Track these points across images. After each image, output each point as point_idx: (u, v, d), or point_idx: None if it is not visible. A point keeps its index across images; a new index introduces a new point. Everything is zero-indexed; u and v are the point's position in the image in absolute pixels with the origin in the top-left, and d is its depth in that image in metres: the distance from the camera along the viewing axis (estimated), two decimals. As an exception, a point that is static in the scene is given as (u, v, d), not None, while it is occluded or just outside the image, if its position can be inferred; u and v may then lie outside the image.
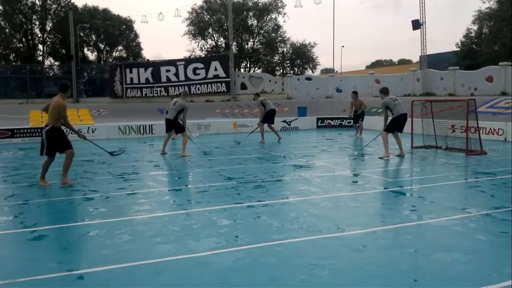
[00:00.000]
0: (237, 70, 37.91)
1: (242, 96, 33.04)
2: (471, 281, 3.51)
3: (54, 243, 4.67)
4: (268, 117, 14.84)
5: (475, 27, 37.39)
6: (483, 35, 35.72)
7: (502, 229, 4.88)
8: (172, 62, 34.64)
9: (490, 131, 14.89)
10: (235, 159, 11.06)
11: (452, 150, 11.82)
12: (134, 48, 49.62)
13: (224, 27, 42.25)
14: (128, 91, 34.66)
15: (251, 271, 3.79)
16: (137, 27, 49.68)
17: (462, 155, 11.02)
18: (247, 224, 5.25)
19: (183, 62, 34.69)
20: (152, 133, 18.49)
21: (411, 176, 8.73)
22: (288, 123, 21.34)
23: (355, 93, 17.11)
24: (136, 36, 49.15)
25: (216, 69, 33.40)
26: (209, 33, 45.41)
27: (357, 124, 16.91)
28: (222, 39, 44.19)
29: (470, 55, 35.99)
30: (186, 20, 44.50)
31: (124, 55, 49.04)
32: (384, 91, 10.95)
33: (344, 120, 21.93)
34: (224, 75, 33.21)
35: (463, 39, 38.71)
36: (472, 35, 38.09)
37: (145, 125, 18.65)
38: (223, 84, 33.29)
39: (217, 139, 16.88)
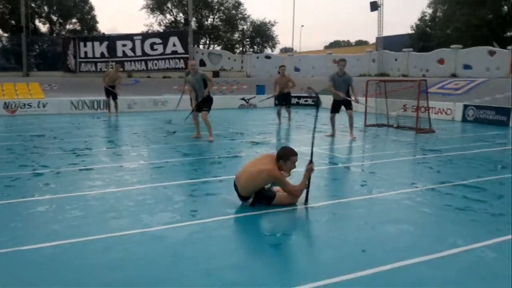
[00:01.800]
0: (196, 46, 37.20)
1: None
2: (416, 251, 3.67)
3: (0, 219, 4.51)
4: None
5: (429, 11, 38.39)
6: (437, 19, 36.71)
7: (446, 203, 5.14)
8: (129, 37, 33.50)
9: (439, 110, 15.51)
10: (192, 135, 10.98)
11: (403, 129, 12.25)
12: (89, 21, 47.54)
13: (183, 2, 41.14)
14: (82, 65, 33.32)
15: (205, 244, 3.82)
16: (92, -1, 47.57)
17: (412, 133, 11.45)
18: (203, 199, 5.26)
19: (140, 37, 33.62)
20: (106, 109, 17.97)
21: (363, 153, 8.99)
22: (247, 100, 21.33)
23: (282, 66, 13.76)
24: (91, 8, 47.02)
25: (174, 45, 32.64)
26: (168, 7, 44.15)
27: (282, 108, 13.54)
28: (181, 14, 43.09)
29: (424, 37, 36.98)
30: (145, -7, 43.04)
31: (78, 28, 46.93)
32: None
33: (301, 99, 22.11)
34: (183, 51, 32.54)
35: (418, 22, 39.69)
36: (426, 18, 39.09)
37: (99, 100, 18.06)
38: (182, 60, 32.63)
39: (174, 115, 16.65)
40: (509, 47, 21.48)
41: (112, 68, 16.11)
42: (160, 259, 3.49)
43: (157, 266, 3.37)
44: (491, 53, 21.86)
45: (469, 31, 31.40)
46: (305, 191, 4.95)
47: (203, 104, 9.89)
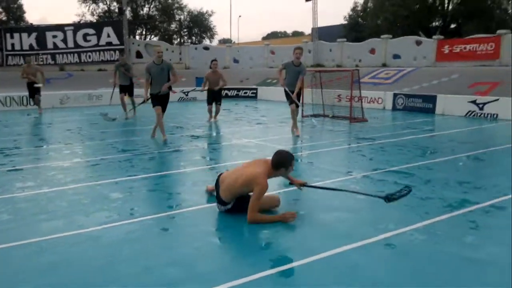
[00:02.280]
0: (132, 37, 36.09)
1: (138, 64, 31.70)
2: (352, 237, 3.83)
3: None
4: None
5: (361, 1, 39.79)
6: (368, 9, 38.13)
7: (379, 189, 5.41)
8: (60, 27, 31.77)
9: (371, 100, 16.21)
10: (130, 130, 10.71)
11: (338, 118, 12.69)
12: (15, 11, 44.58)
13: (117, -9, 39.71)
14: (10, 59, 31.22)
15: (144, 242, 3.77)
16: (18, -13, 44.57)
17: (347, 122, 11.89)
18: (142, 196, 5.17)
19: (72, 28, 32.01)
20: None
21: (301, 143, 9.22)
22: (186, 93, 21.06)
23: (214, 61, 12.56)
24: (17, -3, 44.15)
25: (109, 36, 31.42)
26: (102, -3, 42.42)
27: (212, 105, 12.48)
28: (115, 3, 41.47)
29: (356, 28, 38.34)
30: (75, -18, 41.06)
31: (4, 18, 43.87)
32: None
33: (240, 91, 22.20)
34: (118, 43, 31.42)
35: (351, 13, 41.06)
36: (358, 8, 40.51)
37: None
38: (117, 51, 31.53)
39: (110, 110, 16.10)
40: (434, 37, 22.77)
41: (29, 62, 14.97)
42: (96, 260, 3.40)
43: (93, 267, 3.29)
44: (418, 43, 23.06)
45: (397, 21, 32.91)
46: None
47: (164, 101, 9.05)
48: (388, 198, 4.23)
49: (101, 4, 42.71)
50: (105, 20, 39.48)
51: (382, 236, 3.89)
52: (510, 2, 33.12)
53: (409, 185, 4.51)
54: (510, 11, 33.79)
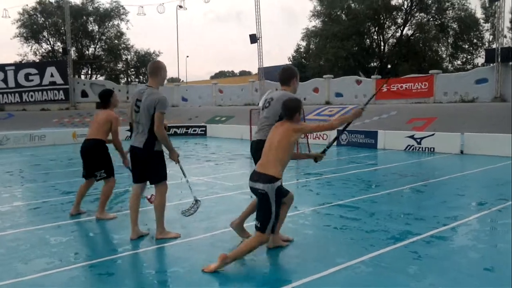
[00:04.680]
0: (77, 77, 35.42)
1: (83, 104, 31.05)
2: (300, 273, 3.86)
3: None
4: None
5: (304, 43, 41.52)
6: (310, 51, 39.82)
7: (326, 223, 5.54)
8: (0, 67, 30.71)
9: (317, 136, 16.71)
10: (74, 171, 10.33)
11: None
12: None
13: (61, 31, 39.01)
14: None
15: (88, 288, 3.62)
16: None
17: (295, 158, 12.14)
18: (85, 239, 4.99)
19: (13, 67, 31.03)
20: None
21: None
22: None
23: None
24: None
25: (52, 75, 30.69)
26: (44, 36, 41.42)
27: None
28: (59, 43, 40.73)
29: (300, 68, 39.49)
30: (17, 22, 39.88)
31: None
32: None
33: (190, 128, 22.24)
34: (62, 82, 30.73)
35: (294, 54, 42.66)
36: (301, 50, 42.20)
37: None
38: (61, 91, 30.78)
39: (54, 150, 15.54)
40: (373, 76, 24.09)
41: None
42: (36, 311, 3.22)
43: (33, 319, 3.10)
44: (358, 82, 24.31)
45: (338, 62, 34.58)
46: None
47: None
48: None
49: (44, 44, 41.79)
50: (49, 60, 38.57)
51: (330, 270, 3.95)
52: (439, 44, 35.88)
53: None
54: (440, 52, 36.59)
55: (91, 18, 41.29)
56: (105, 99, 5.95)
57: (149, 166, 4.79)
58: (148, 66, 4.93)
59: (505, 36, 30.46)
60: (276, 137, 4.04)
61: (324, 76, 26.35)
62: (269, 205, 3.87)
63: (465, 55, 37.58)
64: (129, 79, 38.78)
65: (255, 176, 4.00)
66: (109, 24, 42.30)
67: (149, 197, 5.30)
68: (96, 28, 42.12)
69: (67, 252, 4.49)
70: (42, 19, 40.48)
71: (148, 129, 4.62)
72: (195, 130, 22.24)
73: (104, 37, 42.76)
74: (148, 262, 4.28)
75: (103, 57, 43.51)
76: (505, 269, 3.97)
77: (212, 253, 4.45)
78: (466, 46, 36.40)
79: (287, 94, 4.47)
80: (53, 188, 8.12)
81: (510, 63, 19.01)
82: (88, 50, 42.97)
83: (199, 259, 4.26)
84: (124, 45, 43.52)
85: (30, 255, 4.38)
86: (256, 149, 4.43)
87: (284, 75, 4.71)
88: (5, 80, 30.24)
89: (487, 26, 36.20)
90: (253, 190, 4.02)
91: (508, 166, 10.28)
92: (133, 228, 4.90)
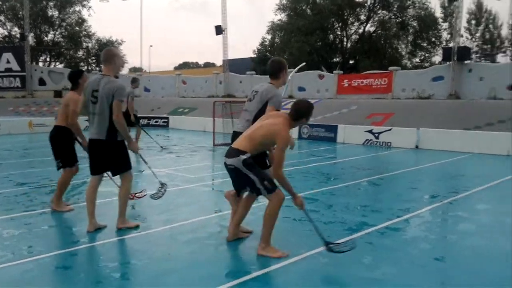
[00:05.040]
0: (34, 63, 34.04)
1: (41, 92, 29.91)
2: (260, 263, 3.92)
3: None
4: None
5: (269, 37, 41.59)
6: (275, 44, 39.96)
7: (286, 215, 5.59)
8: (-48, 52, 29.13)
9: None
10: (28, 162, 10.00)
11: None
12: None
13: (19, 15, 37.29)
14: None
15: (39, 283, 3.53)
16: None
17: (258, 151, 12.21)
18: (40, 232, 4.84)
19: (-33, 52, 29.53)
20: None
21: (212, 171, 9.29)
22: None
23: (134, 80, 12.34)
24: None
25: (8, 62, 29.38)
26: (1, 20, 39.51)
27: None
28: (16, 28, 38.92)
29: (265, 61, 39.78)
30: (-29, 5, 37.87)
31: None
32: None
33: (151, 119, 21.93)
34: (19, 69, 29.48)
35: (259, 47, 42.67)
36: (266, 43, 42.25)
37: None
38: (17, 78, 29.53)
39: (9, 140, 14.95)
40: (335, 72, 24.48)
41: None
42: (-14, 305, 3.13)
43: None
44: (321, 77, 24.64)
45: (302, 56, 34.88)
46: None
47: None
48: (330, 248, 4.13)
49: (0, 29, 39.89)
50: (5, 45, 36.87)
51: (291, 260, 4.03)
52: (399, 42, 36.85)
53: (355, 242, 4.32)
54: (400, 50, 37.59)
55: (51, 3, 39.68)
56: (73, 80, 5.56)
57: (113, 157, 4.70)
58: (101, 54, 4.81)
59: (462, 36, 31.68)
60: (270, 123, 4.05)
61: (288, 69, 26.58)
62: (245, 175, 4.03)
63: (423, 53, 38.78)
64: (89, 68, 37.62)
65: (227, 152, 4.17)
66: (70, 10, 40.82)
67: (132, 195, 5.34)
68: (56, 13, 40.53)
69: (20, 245, 4.36)
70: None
71: (108, 119, 4.52)
72: (157, 121, 21.92)
73: (64, 24, 41.23)
74: (106, 255, 4.22)
75: (63, 44, 41.98)
76: (454, 258, 4.18)
77: (171, 246, 4.45)
78: (425, 44, 37.56)
79: (270, 89, 4.51)
80: (7, 179, 7.83)
81: (466, 61, 19.80)
82: (47, 36, 41.32)
83: (157, 251, 4.25)
84: (85, 33, 42.11)
85: (-20, 249, 4.23)
86: (233, 139, 4.50)
87: (273, 68, 4.70)
88: (-43, 66, 28.77)
89: (445, 25, 37.49)
90: (225, 166, 4.20)
91: (459, 160, 10.77)
92: (90, 221, 4.82)
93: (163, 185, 5.28)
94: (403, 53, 38.06)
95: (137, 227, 4.96)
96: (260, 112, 4.41)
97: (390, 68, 22.56)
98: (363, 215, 5.67)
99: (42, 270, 3.79)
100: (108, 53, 4.71)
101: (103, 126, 4.55)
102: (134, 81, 11.94)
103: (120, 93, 4.51)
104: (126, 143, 4.76)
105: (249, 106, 4.64)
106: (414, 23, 36.18)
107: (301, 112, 4.09)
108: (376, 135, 14.40)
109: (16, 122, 18.75)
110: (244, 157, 3.98)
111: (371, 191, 7.48)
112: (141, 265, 3.92)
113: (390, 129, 14.23)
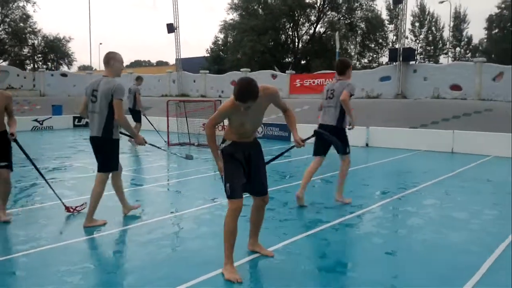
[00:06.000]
0: (-26, 60, 32.16)
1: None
2: (216, 263, 3.91)
3: None
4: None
5: (221, 36, 41.55)
6: (228, 44, 40.00)
7: (241, 213, 5.65)
8: None
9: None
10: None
11: (203, 146, 12.94)
12: None
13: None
14: None
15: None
16: None
17: (212, 151, 12.19)
18: (-14, 237, 4.63)
19: None
20: None
21: (168, 172, 9.19)
22: (41, 122, 19.41)
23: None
24: None
25: None
26: None
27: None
28: (-45, 24, 36.68)
29: (218, 60, 39.79)
30: None
31: None
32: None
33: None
34: (-45, 66, 27.70)
35: (212, 46, 42.55)
36: (219, 42, 42.20)
37: None
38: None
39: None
40: (287, 71, 24.82)
41: None
42: None
43: None
44: (274, 76, 24.89)
45: (255, 56, 35.15)
46: None
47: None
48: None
49: None
50: None
51: (245, 259, 4.08)
52: (349, 43, 37.93)
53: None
54: (349, 50, 38.70)
55: (-7, -1, 37.65)
56: None
57: (103, 154, 5.01)
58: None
59: (407, 37, 33.06)
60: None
61: (241, 69, 26.61)
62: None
63: (371, 54, 40.15)
64: (36, 65, 35.98)
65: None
66: (13, 6, 38.84)
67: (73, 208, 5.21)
68: (-2, 9, 38.50)
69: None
70: None
71: (106, 117, 4.80)
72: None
73: (7, 19, 39.19)
74: (56, 259, 4.08)
75: (7, 40, 39.86)
76: (405, 252, 4.38)
77: (125, 249, 4.38)
78: (373, 45, 38.90)
79: (343, 82, 5.85)
80: None
81: (411, 62, 20.67)
82: (-10, 32, 39.18)
83: (111, 254, 4.18)
84: (31, 29, 40.27)
85: None
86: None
87: (340, 66, 5.95)
88: None
89: (391, 27, 38.98)
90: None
91: (407, 157, 11.25)
92: (88, 218, 4.99)
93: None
94: (352, 53, 39.24)
95: (104, 223, 5.06)
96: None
97: (340, 68, 23.15)
98: (318, 212, 5.82)
99: (-9, 278, 3.62)
100: (106, 56, 4.98)
101: (100, 124, 4.83)
102: (138, 79, 13.35)
103: (118, 92, 4.75)
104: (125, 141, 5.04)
105: (332, 102, 5.95)
106: (362, 25, 37.38)
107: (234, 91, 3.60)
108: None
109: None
110: (222, 146, 3.95)
111: (324, 188, 7.68)
112: (92, 269, 3.84)
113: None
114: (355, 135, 14.47)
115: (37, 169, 5.64)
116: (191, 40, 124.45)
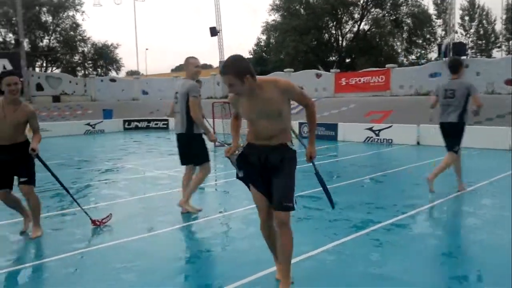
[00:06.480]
0: (31, 69, 33.97)
1: (39, 97, 29.81)
2: (265, 263, 3.86)
3: None
4: None
5: (264, 37, 41.64)
6: (271, 45, 40.02)
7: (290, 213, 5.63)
8: None
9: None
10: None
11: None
12: None
13: (12, 21, 37.20)
14: None
15: (51, 286, 3.54)
16: None
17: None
18: (45, 236, 4.84)
19: (-39, 60, 29.39)
20: None
21: (215, 172, 9.28)
22: (93, 126, 20.25)
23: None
24: None
25: (5, 68, 29.28)
26: (-5, 27, 39.43)
27: None
28: (11, 34, 38.85)
29: (261, 62, 39.91)
30: (-36, 12, 37.77)
31: None
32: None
33: (151, 122, 21.94)
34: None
35: (255, 47, 42.73)
36: (262, 44, 42.31)
37: None
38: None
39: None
40: (332, 70, 24.50)
41: None
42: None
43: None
44: (318, 76, 24.64)
45: (298, 56, 34.94)
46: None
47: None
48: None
49: (-5, 36, 39.79)
50: (0, 52, 36.78)
51: (297, 258, 4.02)
52: (395, 39, 36.97)
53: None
54: (395, 47, 37.72)
55: (44, 9, 39.63)
56: None
57: (192, 149, 5.46)
58: None
59: (456, 32, 31.78)
60: None
61: (284, 70, 26.55)
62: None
63: (419, 50, 38.91)
64: (86, 72, 37.55)
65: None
66: (64, 15, 40.77)
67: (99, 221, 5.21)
68: (50, 19, 40.48)
69: (24, 249, 4.37)
70: (-7, 9, 38.55)
71: (185, 114, 5.33)
72: (156, 124, 21.94)
73: (58, 29, 41.18)
74: (112, 257, 4.21)
75: (58, 49, 41.89)
76: (460, 253, 4.20)
77: (177, 247, 4.43)
78: (420, 41, 37.69)
79: (464, 81, 6.26)
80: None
81: (462, 57, 19.87)
82: (42, 41, 41.28)
83: (164, 253, 4.24)
84: (80, 37, 42.09)
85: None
86: (442, 131, 6.49)
87: (452, 64, 6.33)
88: (-49, 73, 28.64)
89: (439, 22, 37.61)
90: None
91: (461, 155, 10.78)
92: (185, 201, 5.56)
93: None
94: (399, 50, 38.22)
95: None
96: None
97: (387, 65, 22.60)
98: (368, 212, 5.68)
99: (51, 273, 3.80)
100: (184, 61, 5.56)
101: (182, 122, 5.39)
102: (198, 82, 13.08)
103: (192, 91, 5.29)
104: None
105: (454, 101, 6.20)
106: (408, 20, 36.31)
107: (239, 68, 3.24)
108: (377, 132, 14.42)
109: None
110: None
111: (374, 188, 7.50)
112: (147, 267, 3.94)
113: (390, 126, 14.26)
114: (406, 133, 14.26)
115: (59, 182, 5.26)
116: (234, 43, 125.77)
